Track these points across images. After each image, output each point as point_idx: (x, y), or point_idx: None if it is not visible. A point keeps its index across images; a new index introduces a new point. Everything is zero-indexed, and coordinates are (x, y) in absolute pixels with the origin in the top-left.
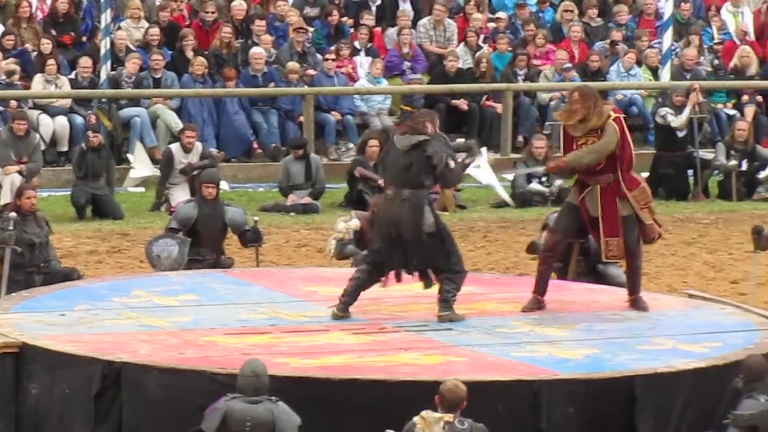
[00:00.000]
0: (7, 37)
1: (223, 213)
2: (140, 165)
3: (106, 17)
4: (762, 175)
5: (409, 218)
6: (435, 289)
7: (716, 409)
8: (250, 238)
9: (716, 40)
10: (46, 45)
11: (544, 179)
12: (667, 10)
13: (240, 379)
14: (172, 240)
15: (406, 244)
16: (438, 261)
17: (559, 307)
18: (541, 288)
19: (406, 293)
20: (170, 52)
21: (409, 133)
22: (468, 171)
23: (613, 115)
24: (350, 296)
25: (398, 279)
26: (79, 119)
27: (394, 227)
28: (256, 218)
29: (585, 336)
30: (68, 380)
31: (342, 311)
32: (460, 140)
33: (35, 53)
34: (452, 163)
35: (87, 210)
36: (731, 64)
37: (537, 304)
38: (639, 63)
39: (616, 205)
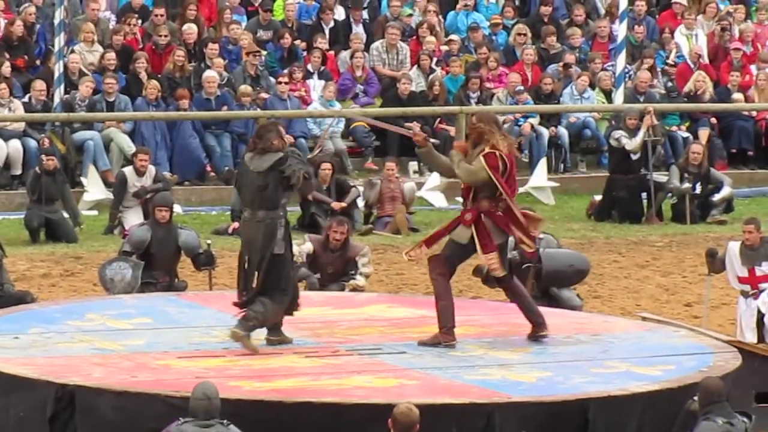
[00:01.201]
0: None
1: (176, 236)
2: (93, 188)
3: (59, 41)
4: (716, 197)
5: (261, 240)
6: (387, 312)
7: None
8: (203, 261)
9: (671, 62)
10: (6, 68)
11: None
12: (621, 32)
13: (192, 402)
14: (126, 263)
15: (252, 265)
16: (268, 281)
17: (513, 330)
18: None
19: (360, 316)
20: (124, 75)
21: (260, 153)
22: (421, 193)
23: (487, 150)
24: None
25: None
26: (32, 143)
27: (247, 249)
28: (209, 241)
29: (538, 359)
30: (22, 403)
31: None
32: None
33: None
34: (308, 182)
35: (40, 233)
36: (686, 88)
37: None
38: (592, 86)
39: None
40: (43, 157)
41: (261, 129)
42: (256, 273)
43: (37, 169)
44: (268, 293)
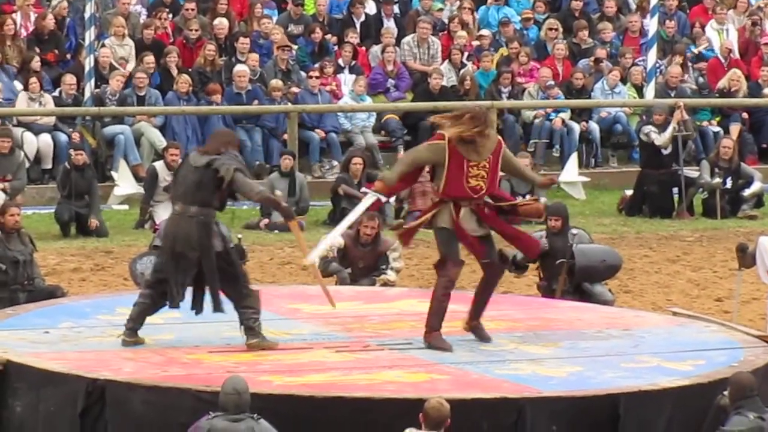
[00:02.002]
0: None
1: None
2: (124, 183)
3: (90, 35)
4: (746, 192)
5: (198, 236)
6: (419, 306)
7: (700, 427)
8: None
9: (695, 51)
10: (36, 62)
11: (527, 197)
12: (652, 27)
13: (222, 396)
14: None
15: (191, 262)
16: (227, 286)
17: (544, 325)
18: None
19: (391, 311)
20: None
21: (204, 153)
22: None
23: (497, 138)
24: (135, 321)
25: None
26: (63, 137)
27: (181, 244)
28: (239, 236)
29: (569, 354)
30: (53, 398)
31: (131, 337)
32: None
33: (18, 70)
34: (241, 176)
35: (71, 227)
36: (719, 85)
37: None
38: (623, 81)
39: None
40: (72, 151)
41: (218, 134)
42: (206, 268)
43: (66, 164)
44: (240, 290)
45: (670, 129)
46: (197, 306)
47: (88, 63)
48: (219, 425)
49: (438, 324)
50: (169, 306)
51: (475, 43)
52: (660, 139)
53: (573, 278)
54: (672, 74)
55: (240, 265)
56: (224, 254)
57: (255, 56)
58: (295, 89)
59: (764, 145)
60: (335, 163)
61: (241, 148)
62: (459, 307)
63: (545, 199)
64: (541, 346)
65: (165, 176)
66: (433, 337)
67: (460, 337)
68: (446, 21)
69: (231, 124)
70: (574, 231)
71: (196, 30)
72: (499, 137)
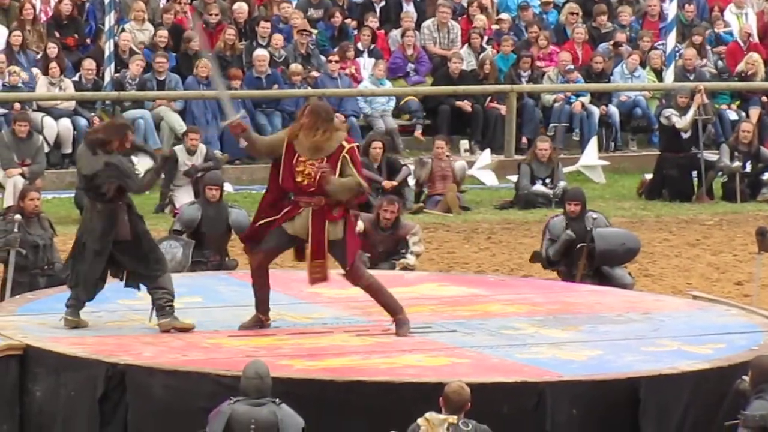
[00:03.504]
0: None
1: (226, 215)
2: (144, 167)
3: (110, 19)
4: (766, 176)
5: (100, 229)
6: (438, 290)
7: (718, 411)
8: None
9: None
10: (52, 49)
11: (548, 181)
12: (671, 11)
13: (243, 381)
14: (177, 242)
15: (90, 253)
16: (138, 267)
17: (564, 309)
18: (261, 307)
19: (411, 295)
20: (174, 54)
21: (92, 149)
22: (472, 172)
23: (347, 146)
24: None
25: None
26: (82, 121)
27: (88, 237)
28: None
29: (589, 337)
30: (73, 382)
31: (73, 315)
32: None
33: (39, 55)
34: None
35: None
36: (738, 69)
37: (258, 322)
38: (643, 64)
39: (325, 229)
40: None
41: (112, 126)
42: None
43: None
44: (146, 279)
45: (691, 112)
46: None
47: (108, 48)
48: (241, 410)
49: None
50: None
51: (495, 27)
52: (681, 122)
53: (593, 262)
54: (687, 57)
55: (153, 249)
56: (133, 240)
57: (279, 37)
58: (314, 73)
59: None
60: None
61: (263, 132)
62: (480, 290)
63: (564, 183)
64: (561, 330)
65: (185, 161)
66: None
67: (481, 320)
68: (465, 5)
69: (251, 108)
70: (594, 215)
71: (216, 14)
72: (351, 145)
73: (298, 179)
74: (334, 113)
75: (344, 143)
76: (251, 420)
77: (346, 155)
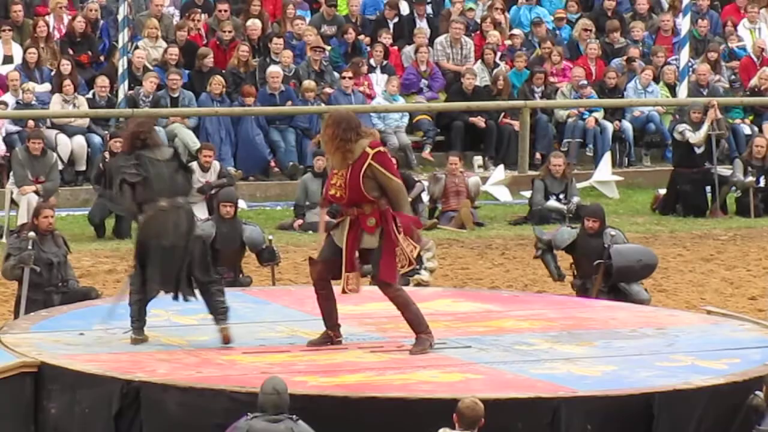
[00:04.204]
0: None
1: (240, 231)
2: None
3: (123, 36)
4: None
5: (186, 225)
6: (452, 306)
7: (731, 426)
8: (266, 257)
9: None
10: (65, 66)
11: (561, 196)
12: (684, 26)
13: (261, 397)
14: None
15: (174, 253)
16: (197, 271)
17: (578, 325)
18: (328, 322)
19: (425, 311)
20: (187, 71)
21: (151, 147)
22: (486, 188)
23: (371, 151)
24: (140, 320)
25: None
26: (96, 139)
27: (170, 237)
28: (270, 237)
29: (604, 353)
30: (88, 399)
31: (139, 335)
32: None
33: (53, 73)
34: None
35: (106, 228)
36: (751, 84)
37: (327, 339)
38: (656, 80)
39: (358, 239)
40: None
41: (144, 125)
42: (182, 257)
43: (101, 165)
44: (207, 284)
45: (704, 127)
46: (188, 292)
47: (122, 65)
48: (258, 426)
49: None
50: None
51: (508, 42)
52: (695, 137)
53: (610, 279)
54: (700, 72)
55: (208, 255)
56: (199, 240)
57: (288, 53)
58: (328, 90)
59: None
60: None
61: (276, 149)
62: (494, 306)
63: (578, 198)
64: (575, 346)
65: (199, 177)
66: None
67: (495, 336)
68: (479, 21)
69: (264, 124)
70: (612, 232)
71: (230, 31)
72: (376, 150)
73: (331, 192)
74: (356, 121)
75: (368, 149)
76: None
77: (372, 162)
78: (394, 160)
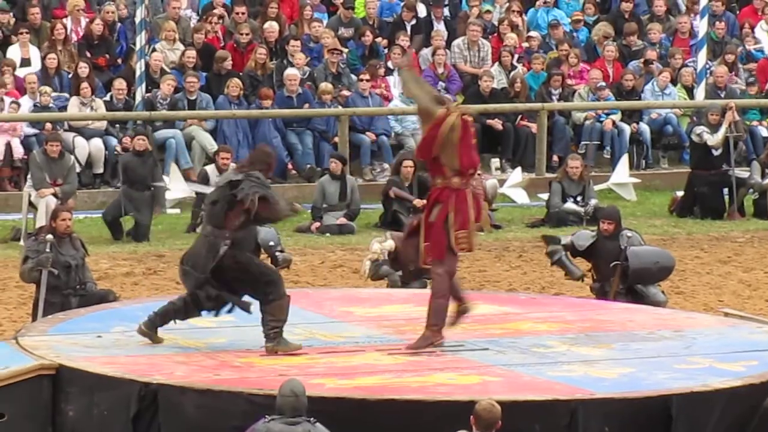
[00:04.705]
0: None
1: (255, 233)
2: (176, 187)
3: (141, 39)
4: None
5: (204, 256)
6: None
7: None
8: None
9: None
10: (83, 68)
11: (579, 198)
12: (702, 28)
13: (279, 399)
14: None
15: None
16: (249, 291)
17: (595, 327)
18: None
19: None
20: (205, 74)
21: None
22: (503, 190)
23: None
24: (159, 317)
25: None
26: (114, 141)
27: (189, 260)
28: (270, 243)
29: (621, 355)
30: (106, 402)
31: (148, 328)
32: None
33: (70, 75)
34: (269, 198)
35: (121, 229)
36: None
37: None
38: (674, 82)
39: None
40: (128, 139)
41: (254, 152)
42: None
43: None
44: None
45: (722, 129)
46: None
47: (139, 67)
48: (276, 428)
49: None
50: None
51: (525, 45)
52: (713, 139)
53: (626, 280)
54: (718, 74)
55: (263, 273)
56: (234, 267)
57: (301, 56)
58: (345, 92)
59: None
60: (386, 166)
61: (293, 151)
62: (512, 309)
63: (596, 201)
64: (593, 348)
65: (216, 180)
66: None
67: (512, 338)
68: (496, 23)
69: (281, 127)
70: (629, 233)
71: (247, 34)
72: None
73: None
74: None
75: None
76: None
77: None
78: (412, 163)
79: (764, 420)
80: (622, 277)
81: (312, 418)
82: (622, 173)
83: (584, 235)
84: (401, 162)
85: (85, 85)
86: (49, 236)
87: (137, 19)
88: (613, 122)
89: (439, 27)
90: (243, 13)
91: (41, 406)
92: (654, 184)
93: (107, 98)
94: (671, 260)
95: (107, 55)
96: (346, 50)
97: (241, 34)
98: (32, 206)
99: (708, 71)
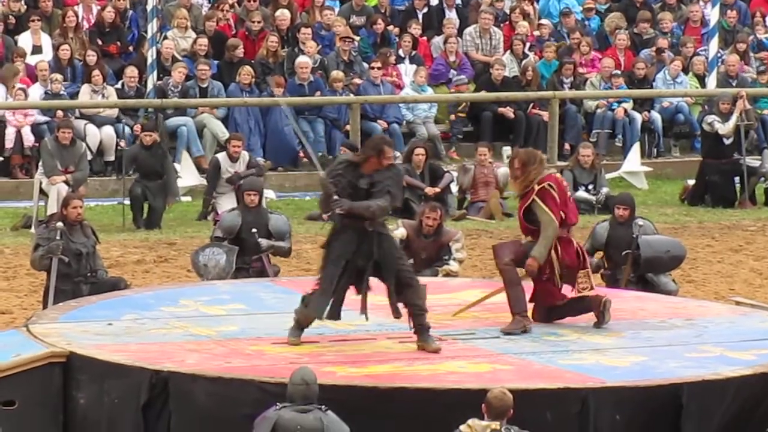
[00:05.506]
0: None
1: (266, 220)
2: (187, 174)
3: (152, 27)
4: None
5: None
6: (480, 297)
7: (762, 416)
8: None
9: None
10: (91, 56)
11: (590, 187)
12: (713, 17)
13: (290, 387)
14: (220, 249)
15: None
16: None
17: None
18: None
19: (453, 302)
20: (216, 62)
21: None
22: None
23: (536, 187)
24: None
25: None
26: (125, 129)
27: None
28: (254, 230)
29: (632, 344)
30: (116, 390)
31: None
32: None
33: (82, 63)
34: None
35: (143, 209)
36: None
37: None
38: (685, 70)
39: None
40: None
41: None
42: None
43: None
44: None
45: (733, 118)
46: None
47: (151, 55)
48: (287, 416)
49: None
50: None
51: (536, 33)
52: (724, 128)
53: (638, 269)
54: (729, 63)
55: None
56: None
57: (312, 44)
58: (357, 80)
59: None
60: (397, 154)
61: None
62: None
63: (607, 189)
64: (604, 336)
65: (227, 167)
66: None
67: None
68: (508, 11)
69: (293, 115)
70: (640, 222)
71: (258, 21)
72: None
73: None
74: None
75: (535, 186)
76: (297, 426)
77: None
78: (423, 151)
79: None
80: (633, 265)
81: (323, 406)
82: (633, 162)
83: (599, 233)
84: (413, 150)
85: (96, 72)
86: (60, 224)
87: (149, 7)
88: (625, 111)
89: (451, 15)
90: (255, 1)
91: (52, 393)
92: (665, 173)
93: (118, 86)
94: (683, 250)
95: (119, 43)
96: (357, 38)
97: (253, 22)
98: (43, 194)
99: (719, 60)
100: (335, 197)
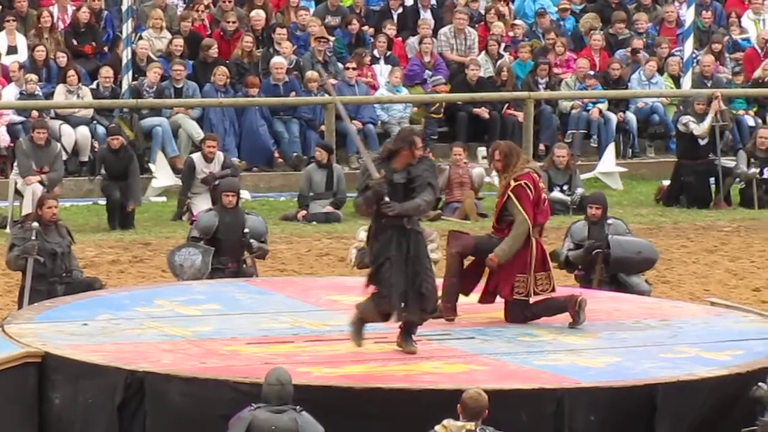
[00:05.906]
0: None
1: (243, 221)
2: (162, 175)
3: (127, 27)
4: None
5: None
6: (459, 297)
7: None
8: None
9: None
10: (61, 58)
11: (565, 187)
12: (689, 17)
13: (265, 387)
14: (196, 249)
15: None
16: None
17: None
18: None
19: None
20: (191, 62)
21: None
22: (490, 179)
23: (513, 183)
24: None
25: None
26: (100, 129)
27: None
28: (246, 230)
29: (607, 344)
30: (91, 390)
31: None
32: None
33: (57, 65)
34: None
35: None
36: (755, 75)
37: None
38: (660, 71)
39: None
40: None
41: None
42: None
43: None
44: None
45: (708, 119)
46: None
47: (126, 55)
48: (261, 416)
49: None
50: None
51: (511, 33)
52: (699, 129)
53: (608, 268)
54: (704, 63)
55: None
56: None
57: (287, 44)
58: (332, 81)
59: None
60: (373, 154)
61: (280, 140)
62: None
63: (582, 190)
64: (579, 337)
65: (202, 168)
66: None
67: (499, 327)
68: (483, 12)
69: (268, 115)
70: (610, 221)
71: (234, 22)
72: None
73: None
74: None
75: (512, 181)
76: (271, 427)
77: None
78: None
79: (751, 409)
80: (604, 264)
81: (298, 407)
82: (608, 162)
83: (577, 230)
84: None
85: (71, 73)
86: (35, 224)
87: (124, 7)
88: (600, 111)
89: (426, 15)
90: (230, 1)
91: (27, 393)
92: (640, 173)
93: (93, 86)
94: (654, 253)
95: (94, 43)
96: (332, 38)
97: (228, 22)
98: (18, 194)
99: (694, 60)
100: (386, 199)
